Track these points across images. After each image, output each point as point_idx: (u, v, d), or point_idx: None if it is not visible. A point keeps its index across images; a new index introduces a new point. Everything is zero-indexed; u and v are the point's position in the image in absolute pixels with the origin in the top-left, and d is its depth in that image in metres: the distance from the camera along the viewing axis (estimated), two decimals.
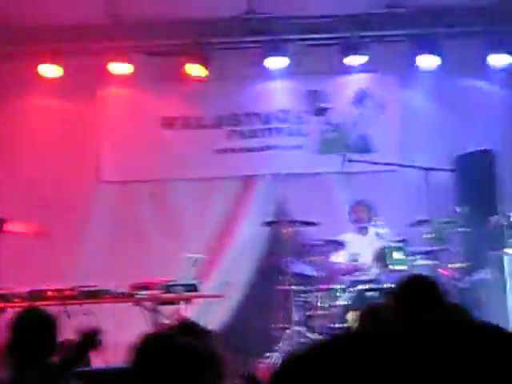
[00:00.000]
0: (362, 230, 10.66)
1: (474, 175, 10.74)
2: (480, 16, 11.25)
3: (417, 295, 4.97)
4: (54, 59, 11.18)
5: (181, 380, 3.91)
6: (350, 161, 10.49)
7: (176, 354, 3.94)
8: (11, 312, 8.10)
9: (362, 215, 10.63)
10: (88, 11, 10.85)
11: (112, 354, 6.50)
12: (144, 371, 3.95)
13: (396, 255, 10.08)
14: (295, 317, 9.71)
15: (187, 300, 9.24)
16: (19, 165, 11.26)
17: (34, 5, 10.46)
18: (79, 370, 8.01)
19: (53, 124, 11.52)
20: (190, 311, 9.30)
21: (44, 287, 8.88)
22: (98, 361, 8.90)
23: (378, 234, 10.44)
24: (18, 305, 8.54)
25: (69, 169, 11.40)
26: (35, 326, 4.98)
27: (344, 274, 10.28)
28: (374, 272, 10.16)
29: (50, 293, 8.71)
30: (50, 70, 11.21)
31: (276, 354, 9.56)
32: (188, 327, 4.89)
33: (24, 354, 4.88)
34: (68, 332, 8.89)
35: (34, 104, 11.54)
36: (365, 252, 10.35)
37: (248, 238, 11.37)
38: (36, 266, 9.78)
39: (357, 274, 10.23)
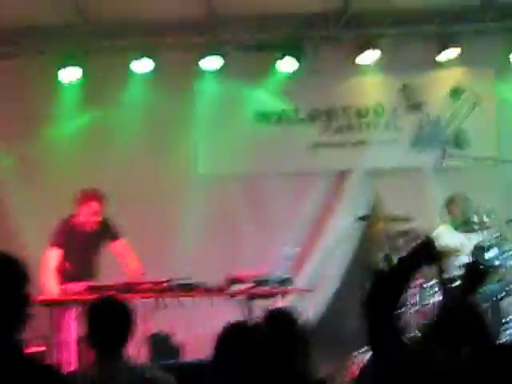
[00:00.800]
0: (457, 225, 10.39)
1: None
2: None
3: None
4: (146, 54, 11.10)
5: (252, 370, 3.93)
6: (449, 156, 10.41)
7: (250, 346, 3.99)
8: None
9: (456, 210, 10.39)
10: (184, 5, 10.85)
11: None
12: (219, 363, 4.00)
13: (490, 253, 9.96)
14: None
15: (282, 294, 9.18)
16: (113, 161, 11.21)
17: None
18: (167, 362, 8.09)
19: (148, 119, 11.49)
20: (283, 305, 9.08)
21: (140, 280, 8.97)
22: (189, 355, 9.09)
23: (474, 231, 10.32)
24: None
25: (163, 163, 11.44)
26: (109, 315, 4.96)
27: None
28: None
29: (146, 285, 8.76)
30: (142, 65, 11.13)
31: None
32: (275, 315, 4.97)
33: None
34: (162, 323, 9.10)
35: (129, 99, 11.46)
36: (462, 247, 10.12)
37: (341, 232, 11.31)
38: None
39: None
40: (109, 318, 4.90)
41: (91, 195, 9.30)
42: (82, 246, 9.39)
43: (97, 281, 9.09)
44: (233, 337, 4.16)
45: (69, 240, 9.27)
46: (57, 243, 9.19)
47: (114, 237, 9.49)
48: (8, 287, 3.64)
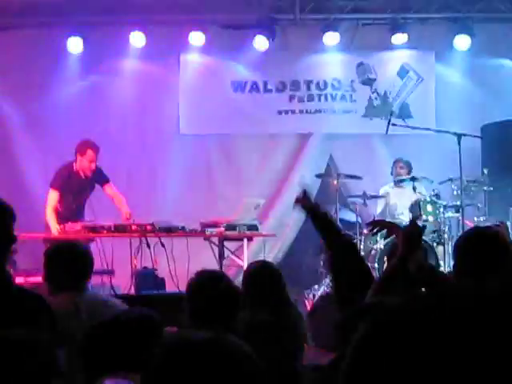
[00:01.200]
0: (401, 184, 10.73)
1: (499, 142, 10.70)
2: (506, 3, 11.34)
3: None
4: (141, 28, 11.23)
5: (220, 310, 4.09)
6: (394, 125, 10.69)
7: (217, 294, 4.14)
8: (99, 241, 8.70)
9: (401, 171, 10.70)
10: None
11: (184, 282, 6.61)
12: (192, 302, 4.20)
13: (429, 207, 10.36)
14: None
15: (248, 238, 9.38)
16: (109, 119, 11.44)
17: None
18: (153, 293, 8.27)
19: (140, 84, 11.65)
20: (250, 248, 9.62)
21: (128, 222, 9.08)
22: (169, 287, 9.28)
23: (414, 188, 10.71)
24: (105, 235, 8.89)
25: (151, 122, 11.60)
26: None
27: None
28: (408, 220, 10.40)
29: (133, 227, 8.83)
30: (138, 38, 11.27)
31: (322, 287, 9.84)
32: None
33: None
34: (146, 258, 9.33)
35: (124, 66, 11.66)
36: (401, 203, 10.55)
37: (302, 186, 11.32)
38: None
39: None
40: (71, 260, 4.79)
41: (89, 144, 9.37)
42: (77, 189, 9.47)
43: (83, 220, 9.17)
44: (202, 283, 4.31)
45: (67, 183, 9.36)
46: (56, 185, 9.28)
47: (105, 180, 9.62)
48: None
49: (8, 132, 11.46)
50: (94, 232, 8.91)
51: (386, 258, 9.41)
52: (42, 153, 11.24)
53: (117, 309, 4.61)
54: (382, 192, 10.80)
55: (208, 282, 4.27)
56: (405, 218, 10.25)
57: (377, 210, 10.76)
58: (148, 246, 8.59)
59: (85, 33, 11.31)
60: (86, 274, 4.88)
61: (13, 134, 11.46)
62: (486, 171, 10.36)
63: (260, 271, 5.13)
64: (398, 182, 10.77)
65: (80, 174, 9.48)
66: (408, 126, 10.88)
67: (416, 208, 10.25)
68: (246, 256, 9.17)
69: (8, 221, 3.78)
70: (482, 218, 10.00)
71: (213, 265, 8.66)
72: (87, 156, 9.39)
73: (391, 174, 10.93)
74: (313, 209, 4.36)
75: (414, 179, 10.48)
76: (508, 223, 9.89)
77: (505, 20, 11.48)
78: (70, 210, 9.42)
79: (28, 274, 8.89)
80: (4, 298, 3.57)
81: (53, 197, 9.30)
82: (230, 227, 9.15)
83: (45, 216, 9.28)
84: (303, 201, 4.39)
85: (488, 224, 8.52)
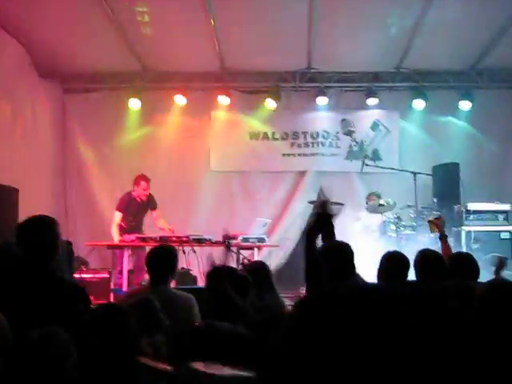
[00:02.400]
0: (372, 210, 10.59)
1: (445, 178, 10.63)
2: (454, 75, 11.30)
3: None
4: (183, 92, 11.30)
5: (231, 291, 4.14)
6: (367, 165, 10.66)
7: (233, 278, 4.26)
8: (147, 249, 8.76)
9: (373, 201, 10.56)
10: (207, 62, 11.00)
11: None
12: (210, 289, 4.24)
13: (392, 227, 10.32)
14: None
15: (258, 247, 9.39)
16: (158, 158, 11.39)
17: (171, 55, 10.63)
18: (188, 287, 8.24)
19: (181, 133, 11.67)
20: (260, 255, 9.55)
21: (170, 234, 9.18)
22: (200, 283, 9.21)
23: (382, 213, 10.66)
24: (152, 244, 8.79)
25: (189, 163, 11.59)
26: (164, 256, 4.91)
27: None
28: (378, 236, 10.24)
29: (173, 238, 8.87)
30: (180, 99, 11.35)
31: None
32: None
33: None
34: (182, 261, 9.27)
35: (170, 120, 11.68)
36: (372, 224, 10.52)
37: (299, 210, 11.33)
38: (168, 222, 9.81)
39: None
40: (162, 257, 4.87)
41: (142, 178, 9.56)
42: (135, 211, 9.61)
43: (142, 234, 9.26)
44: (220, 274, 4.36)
45: (127, 207, 9.52)
46: (119, 208, 9.46)
47: (154, 207, 9.72)
48: (47, 238, 3.71)
49: (85, 168, 11.52)
50: (144, 241, 8.94)
51: None
52: (109, 183, 11.25)
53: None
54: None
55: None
56: (376, 234, 10.22)
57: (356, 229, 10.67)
58: (184, 252, 8.56)
59: (142, 95, 11.35)
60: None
61: (88, 168, 11.51)
62: (435, 200, 10.26)
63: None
64: (371, 209, 10.62)
65: (137, 200, 9.57)
66: (378, 166, 10.91)
67: (382, 227, 10.24)
68: None
69: (55, 231, 3.77)
70: (432, 235, 9.86)
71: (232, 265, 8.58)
72: (141, 186, 9.53)
73: (366, 203, 10.75)
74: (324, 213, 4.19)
75: (381, 205, 10.42)
76: (451, 239, 9.83)
77: (450, 88, 11.41)
78: (130, 226, 9.48)
79: (96, 272, 9.02)
80: (51, 288, 3.58)
81: (116, 216, 9.43)
82: (245, 239, 9.17)
83: (110, 230, 9.38)
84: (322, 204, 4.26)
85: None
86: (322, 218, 4.00)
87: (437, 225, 6.59)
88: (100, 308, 3.23)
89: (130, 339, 2.91)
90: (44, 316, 3.29)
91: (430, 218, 7.71)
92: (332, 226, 4.11)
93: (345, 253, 4.37)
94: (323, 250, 4.15)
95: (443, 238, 6.18)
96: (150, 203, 9.72)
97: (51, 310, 3.38)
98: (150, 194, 9.70)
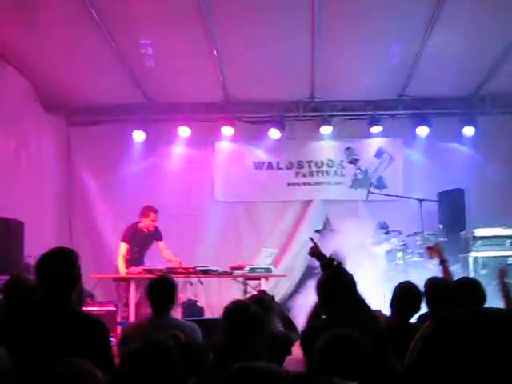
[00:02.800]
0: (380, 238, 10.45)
1: (451, 205, 10.63)
2: (457, 102, 11.34)
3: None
4: (187, 123, 11.37)
5: (247, 332, 3.93)
6: (373, 193, 10.64)
7: (247, 317, 3.98)
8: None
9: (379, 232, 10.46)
10: (210, 93, 11.07)
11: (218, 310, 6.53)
12: (226, 325, 3.99)
13: (399, 254, 10.27)
14: None
15: (265, 278, 9.26)
16: (162, 190, 11.39)
17: (174, 87, 10.61)
18: (195, 318, 8.15)
19: (186, 164, 11.69)
20: (267, 285, 9.39)
21: (177, 266, 9.15)
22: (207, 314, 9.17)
23: (388, 239, 10.62)
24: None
25: (195, 194, 11.60)
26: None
27: None
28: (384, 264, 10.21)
29: (180, 269, 8.90)
30: (184, 131, 11.41)
31: None
32: (260, 297, 5.06)
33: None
34: (190, 294, 9.25)
35: (175, 151, 11.71)
36: (379, 252, 10.40)
37: (305, 240, 10.85)
38: (173, 253, 9.75)
39: None
40: (162, 288, 4.86)
41: (151, 209, 9.50)
42: (141, 242, 9.52)
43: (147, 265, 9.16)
44: (233, 310, 4.18)
45: (133, 238, 9.41)
46: (125, 239, 9.35)
47: (160, 238, 9.66)
48: (66, 271, 3.67)
49: (89, 199, 11.51)
50: (151, 273, 8.82)
51: None
52: (113, 215, 11.21)
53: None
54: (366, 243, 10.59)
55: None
56: (384, 261, 10.12)
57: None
58: (191, 283, 8.59)
59: (146, 127, 11.42)
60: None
61: (92, 201, 11.49)
62: (441, 226, 10.23)
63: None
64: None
65: (144, 231, 9.52)
66: (383, 194, 10.90)
67: (390, 255, 10.18)
68: None
69: (74, 263, 3.75)
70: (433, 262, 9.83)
71: (239, 297, 8.54)
72: (150, 217, 9.48)
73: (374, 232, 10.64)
74: (321, 256, 4.79)
75: (388, 233, 10.37)
76: (458, 265, 9.79)
77: (453, 114, 11.43)
78: (134, 258, 9.40)
79: (102, 305, 8.92)
80: (68, 321, 3.54)
81: (122, 248, 9.34)
82: (252, 270, 9.08)
83: (116, 261, 9.31)
84: (315, 250, 4.96)
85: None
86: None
87: (437, 250, 6.53)
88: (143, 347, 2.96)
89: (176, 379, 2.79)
90: (65, 351, 3.25)
91: (428, 245, 7.64)
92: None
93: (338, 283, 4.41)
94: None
95: (444, 263, 6.14)
96: (156, 234, 9.67)
97: (73, 345, 3.37)
98: (156, 225, 9.65)
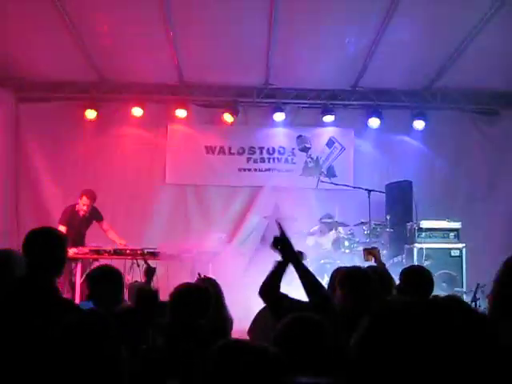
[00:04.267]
0: (326, 228, 10.64)
1: (398, 196, 10.73)
2: (409, 95, 11.46)
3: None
4: (140, 104, 11.26)
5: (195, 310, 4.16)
6: (322, 182, 10.77)
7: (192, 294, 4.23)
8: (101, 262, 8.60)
9: (326, 224, 10.62)
10: (165, 75, 11.01)
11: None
12: (172, 307, 4.18)
13: (346, 243, 10.40)
14: None
15: (213, 261, 9.22)
16: (113, 170, 11.27)
17: (129, 66, 10.54)
18: None
19: (138, 145, 11.53)
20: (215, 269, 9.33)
21: (123, 247, 9.25)
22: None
23: (335, 229, 10.73)
24: (106, 257, 8.96)
25: (145, 175, 11.47)
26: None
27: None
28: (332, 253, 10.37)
29: (128, 251, 9.01)
30: (137, 111, 11.28)
31: None
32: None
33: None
34: (138, 274, 9.18)
35: (127, 132, 11.57)
36: (326, 240, 10.64)
37: (254, 225, 11.42)
38: (121, 234, 9.82)
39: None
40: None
41: (85, 192, 9.56)
42: (78, 224, 9.58)
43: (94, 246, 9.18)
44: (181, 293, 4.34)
45: (70, 220, 9.47)
46: (62, 222, 9.40)
47: (100, 219, 9.74)
48: (54, 252, 3.67)
49: (38, 179, 11.31)
50: (98, 254, 8.94)
51: None
52: (62, 195, 10.90)
53: None
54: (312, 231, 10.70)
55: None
56: (330, 250, 10.28)
57: (309, 243, 10.71)
58: (138, 265, 8.38)
59: (98, 106, 11.28)
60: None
61: (42, 181, 11.30)
62: (388, 217, 10.38)
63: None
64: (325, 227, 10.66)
65: (79, 213, 9.60)
66: (332, 183, 10.99)
67: (337, 244, 10.29)
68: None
69: (59, 246, 3.74)
70: (384, 251, 9.95)
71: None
72: (82, 200, 9.57)
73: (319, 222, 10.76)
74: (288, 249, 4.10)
75: (335, 223, 10.50)
76: (403, 255, 9.97)
77: (404, 107, 11.57)
78: (73, 240, 9.25)
79: None
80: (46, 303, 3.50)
81: (61, 230, 9.08)
82: (200, 253, 9.06)
83: None
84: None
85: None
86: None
87: (374, 254, 6.65)
88: None
89: None
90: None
91: (366, 247, 7.72)
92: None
93: None
94: None
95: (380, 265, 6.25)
96: (93, 216, 9.72)
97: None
98: (93, 206, 9.68)
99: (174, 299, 4.28)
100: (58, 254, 3.67)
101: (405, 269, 5.26)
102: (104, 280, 4.80)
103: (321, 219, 10.59)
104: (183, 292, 4.32)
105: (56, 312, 3.30)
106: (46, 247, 3.61)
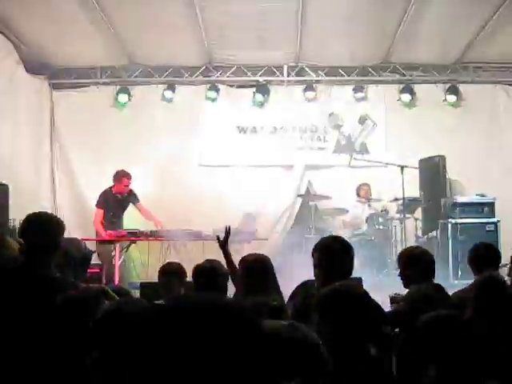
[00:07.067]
0: (362, 202, 10.81)
1: (432, 171, 10.69)
2: (440, 69, 11.43)
3: None
4: (171, 88, 11.40)
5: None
6: (355, 159, 10.80)
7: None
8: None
9: (363, 192, 10.79)
10: (195, 56, 11.08)
11: None
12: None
13: (380, 219, 10.46)
14: None
15: (248, 241, 9.28)
16: (146, 153, 11.07)
17: (158, 49, 10.59)
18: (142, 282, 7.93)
19: (169, 128, 11.43)
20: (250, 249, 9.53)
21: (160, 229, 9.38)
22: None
23: (369, 205, 10.79)
24: (143, 239, 9.23)
25: (177, 156, 11.21)
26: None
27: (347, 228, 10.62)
28: (365, 228, 10.49)
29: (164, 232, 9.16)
30: (168, 94, 11.43)
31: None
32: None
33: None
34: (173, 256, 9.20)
35: (158, 115, 11.51)
36: (361, 216, 10.70)
37: (288, 203, 11.48)
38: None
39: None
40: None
41: (124, 174, 9.59)
42: (115, 207, 9.64)
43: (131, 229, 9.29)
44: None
45: (107, 203, 9.52)
46: (99, 205, 9.48)
47: (136, 201, 9.77)
48: (48, 238, 3.70)
49: (73, 164, 11.51)
50: (135, 236, 9.04)
51: None
52: (97, 179, 10.78)
53: None
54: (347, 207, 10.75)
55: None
56: (364, 226, 10.36)
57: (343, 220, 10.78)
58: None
59: (130, 90, 11.45)
60: None
61: (76, 165, 11.48)
62: (422, 193, 10.38)
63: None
64: (360, 201, 10.79)
65: (117, 196, 9.66)
66: (365, 160, 11.05)
67: (371, 219, 10.37)
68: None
69: (55, 230, 3.77)
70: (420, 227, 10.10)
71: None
72: (123, 182, 9.60)
73: (356, 194, 10.86)
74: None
75: (370, 199, 10.58)
76: (438, 231, 9.98)
77: (437, 82, 11.52)
78: (111, 223, 9.50)
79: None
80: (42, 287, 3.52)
81: (98, 213, 9.48)
82: (234, 234, 8.91)
83: (94, 225, 9.49)
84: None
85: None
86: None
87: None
88: None
89: None
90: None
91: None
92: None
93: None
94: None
95: None
96: (130, 198, 9.77)
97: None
98: (131, 190, 9.74)
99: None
100: (53, 237, 3.72)
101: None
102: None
103: (358, 186, 10.76)
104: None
105: (52, 289, 3.39)
106: (42, 231, 3.69)
